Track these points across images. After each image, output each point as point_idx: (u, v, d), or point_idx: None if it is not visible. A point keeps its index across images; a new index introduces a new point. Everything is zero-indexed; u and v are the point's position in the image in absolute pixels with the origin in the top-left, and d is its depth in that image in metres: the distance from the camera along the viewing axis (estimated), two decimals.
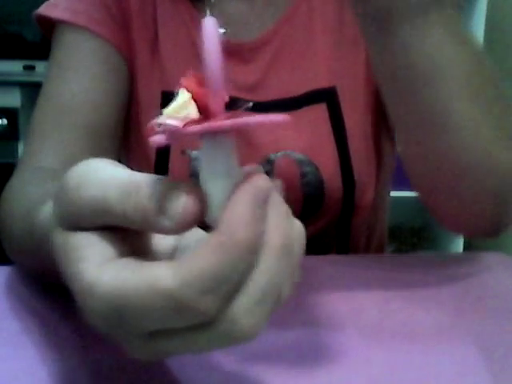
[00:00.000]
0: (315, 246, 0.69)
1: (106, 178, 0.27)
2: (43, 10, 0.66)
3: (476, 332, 0.44)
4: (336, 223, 0.68)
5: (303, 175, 0.65)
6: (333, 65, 0.67)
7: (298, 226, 0.28)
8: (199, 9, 0.68)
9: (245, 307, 0.25)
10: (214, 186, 0.26)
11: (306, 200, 0.65)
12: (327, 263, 0.58)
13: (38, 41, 2.24)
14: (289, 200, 0.71)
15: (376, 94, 0.67)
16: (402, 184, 0.77)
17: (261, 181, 0.25)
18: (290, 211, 0.27)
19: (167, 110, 0.25)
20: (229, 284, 0.24)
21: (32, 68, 2.18)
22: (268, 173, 0.64)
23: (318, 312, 0.46)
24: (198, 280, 0.24)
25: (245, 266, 0.25)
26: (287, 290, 0.27)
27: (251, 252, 0.24)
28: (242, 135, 0.65)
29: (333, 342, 0.41)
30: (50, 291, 0.48)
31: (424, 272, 0.56)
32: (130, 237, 0.28)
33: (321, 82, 0.66)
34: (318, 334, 0.42)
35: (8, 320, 0.43)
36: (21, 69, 2.19)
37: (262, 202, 0.25)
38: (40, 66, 2.15)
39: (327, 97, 0.66)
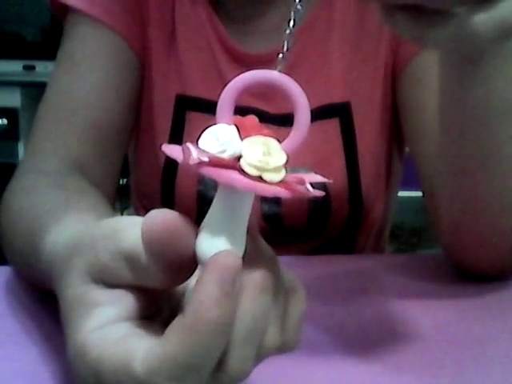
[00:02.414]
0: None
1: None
2: None
3: (476, 331, 0.44)
4: (341, 237, 0.68)
5: None
6: (349, 79, 0.65)
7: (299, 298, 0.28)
8: (218, 12, 0.66)
9: None
10: (211, 236, 0.25)
11: (312, 215, 0.65)
12: (327, 263, 0.58)
13: (38, 41, 2.24)
14: (295, 215, 0.70)
15: (391, 109, 0.67)
16: (403, 184, 0.77)
17: (229, 259, 0.24)
18: (267, 285, 0.26)
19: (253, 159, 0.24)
20: (200, 368, 0.24)
21: (32, 68, 2.18)
22: None
23: (318, 312, 0.46)
24: (165, 368, 0.23)
25: (216, 348, 0.24)
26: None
27: (221, 333, 0.24)
28: None
29: (332, 341, 0.41)
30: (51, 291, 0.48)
31: (424, 272, 0.56)
32: (150, 295, 0.28)
33: (335, 97, 0.65)
34: (318, 334, 0.42)
35: (8, 319, 0.43)
36: (21, 69, 2.19)
37: (231, 281, 0.24)
38: (40, 66, 2.15)
39: (340, 112, 0.65)
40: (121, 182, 0.72)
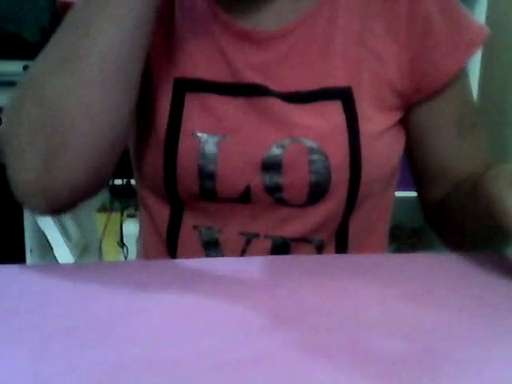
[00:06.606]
0: (315, 239, 0.70)
1: None
2: None
3: (476, 332, 0.44)
4: (338, 214, 0.69)
5: (311, 162, 0.65)
6: (351, 67, 0.68)
7: None
8: None
9: None
10: None
11: (312, 187, 0.66)
12: (327, 263, 0.58)
13: (37, 41, 2.24)
14: (296, 185, 0.73)
15: (392, 93, 0.69)
16: (402, 184, 0.77)
17: None
18: None
19: None
20: None
21: None
22: (277, 157, 0.66)
23: (318, 312, 0.46)
24: None
25: None
26: None
27: None
28: (258, 117, 0.66)
29: (333, 341, 0.41)
30: (50, 290, 0.48)
31: (424, 272, 0.56)
32: None
33: (336, 81, 0.67)
34: (319, 334, 0.42)
35: (8, 319, 0.43)
36: (21, 69, 2.20)
37: None
38: None
39: (342, 95, 0.67)
40: (120, 182, 0.72)
